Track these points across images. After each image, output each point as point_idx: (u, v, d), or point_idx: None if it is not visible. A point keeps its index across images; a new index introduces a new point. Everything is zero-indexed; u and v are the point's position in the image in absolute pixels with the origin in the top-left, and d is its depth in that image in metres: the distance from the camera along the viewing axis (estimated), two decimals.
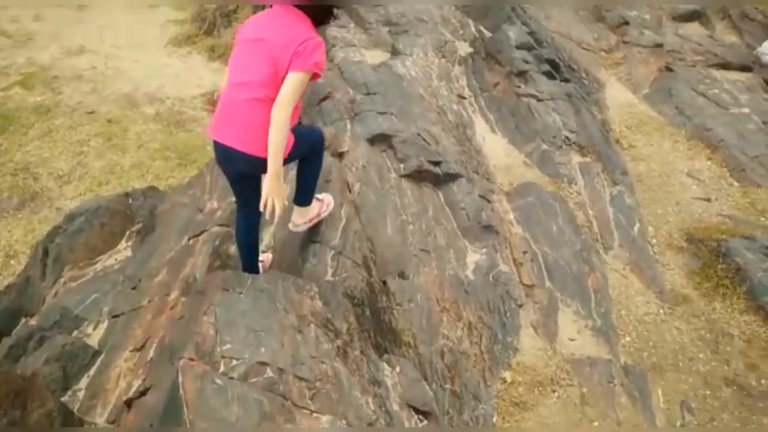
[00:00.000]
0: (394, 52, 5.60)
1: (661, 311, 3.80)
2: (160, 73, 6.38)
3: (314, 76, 2.10)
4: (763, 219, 4.64)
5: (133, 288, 2.69)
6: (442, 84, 5.38)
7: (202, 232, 2.65)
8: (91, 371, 2.37)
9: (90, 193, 4.63)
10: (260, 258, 2.54)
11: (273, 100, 2.03)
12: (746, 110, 5.89)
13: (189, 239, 2.68)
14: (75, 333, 2.60)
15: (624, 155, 5.21)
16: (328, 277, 2.44)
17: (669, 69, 6.51)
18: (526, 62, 5.52)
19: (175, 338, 1.92)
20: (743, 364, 3.50)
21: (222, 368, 1.66)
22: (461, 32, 6.35)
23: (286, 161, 2.15)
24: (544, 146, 4.91)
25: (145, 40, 7.11)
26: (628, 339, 3.62)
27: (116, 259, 3.19)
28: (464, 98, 5.49)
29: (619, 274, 4.05)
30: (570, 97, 5.37)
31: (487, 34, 6.27)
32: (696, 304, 3.87)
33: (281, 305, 1.92)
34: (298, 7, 2.10)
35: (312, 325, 1.95)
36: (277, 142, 2.01)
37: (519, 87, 5.37)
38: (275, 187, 2.04)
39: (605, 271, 3.99)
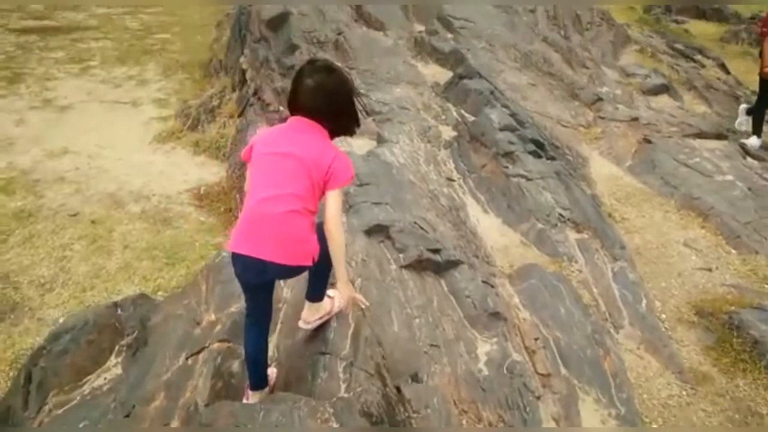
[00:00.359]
0: (380, 140, 5.65)
1: (684, 393, 3.63)
2: (145, 171, 6.31)
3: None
4: (767, 286, 4.58)
5: (127, 416, 2.45)
6: (430, 168, 5.40)
7: (201, 350, 2.46)
8: None
9: (74, 300, 4.40)
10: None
11: (310, 211, 2.12)
12: (730, 177, 5.99)
13: (187, 358, 2.48)
14: None
15: (618, 229, 5.18)
16: (342, 393, 2.25)
17: (648, 141, 6.66)
18: (511, 143, 5.59)
19: None
20: None
21: None
22: (443, 117, 6.47)
23: (318, 264, 2.22)
24: (540, 225, 4.86)
25: (128, 139, 7.10)
26: (654, 426, 3.42)
27: (105, 378, 2.95)
28: (453, 181, 5.50)
29: (635, 355, 3.89)
30: (559, 174, 5.41)
31: (469, 117, 6.39)
32: (717, 382, 3.71)
33: None
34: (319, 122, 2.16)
35: None
36: (340, 257, 2.19)
37: (507, 167, 5.40)
38: (349, 291, 2.34)
39: (620, 353, 3.84)
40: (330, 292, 2.68)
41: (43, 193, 5.77)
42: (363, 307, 2.64)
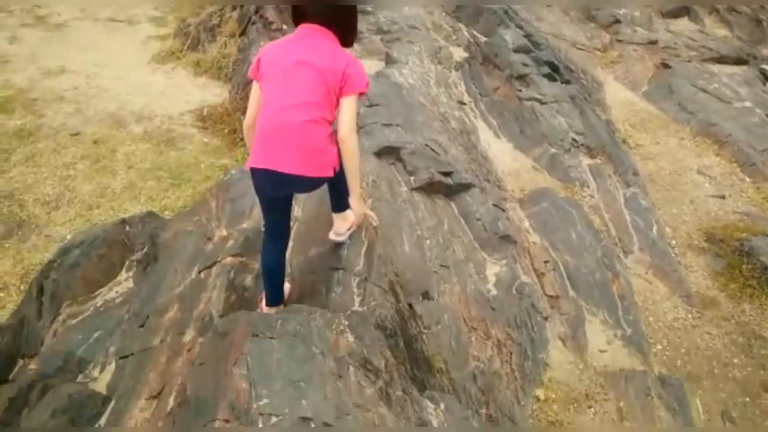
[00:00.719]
0: (389, 60, 5.44)
1: (690, 316, 3.66)
2: (146, 91, 6.13)
3: (361, 93, 2.10)
4: None
5: (141, 326, 2.46)
6: (441, 91, 5.22)
7: (214, 264, 2.43)
8: (102, 420, 2.14)
9: (80, 219, 4.37)
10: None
11: (327, 120, 2.02)
12: (748, 104, 5.81)
13: (200, 271, 2.46)
14: (80, 377, 2.37)
15: (632, 155, 5.08)
16: (356, 308, 2.24)
17: (666, 65, 6.43)
18: (525, 65, 5.39)
19: (199, 388, 1.71)
20: None
21: (261, 426, 1.45)
22: (454, 37, 6.21)
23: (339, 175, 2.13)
24: (552, 150, 4.76)
25: (126, 58, 6.85)
26: (659, 347, 3.46)
27: (117, 292, 2.95)
28: (464, 104, 5.34)
29: (643, 279, 3.90)
30: (573, 98, 5.24)
31: (481, 38, 6.13)
32: (724, 306, 3.73)
33: (318, 349, 1.72)
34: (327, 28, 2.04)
35: (351, 368, 1.75)
36: (353, 168, 2.11)
37: (520, 90, 5.22)
38: (362, 206, 2.40)
39: (629, 277, 3.84)
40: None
41: (42, 112, 5.61)
42: (374, 224, 2.66)
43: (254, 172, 2.07)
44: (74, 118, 5.57)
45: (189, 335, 2.17)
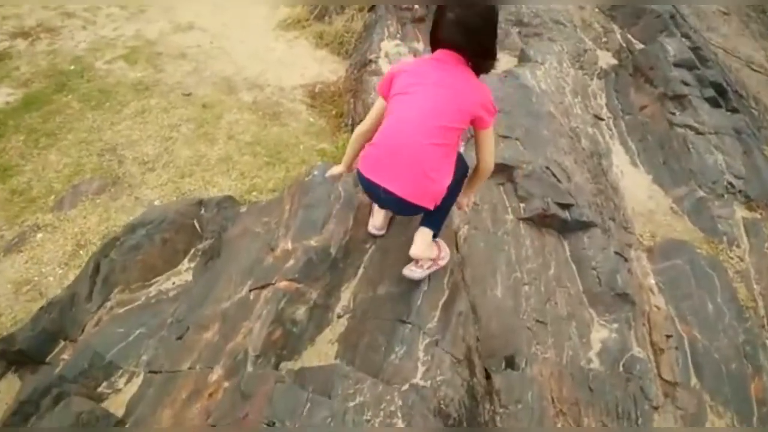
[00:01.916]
0: (523, 59, 4.82)
1: None
2: (264, 58, 5.97)
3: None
4: None
5: (179, 338, 2.19)
6: (576, 101, 4.53)
7: (266, 285, 2.09)
8: None
9: (171, 185, 4.28)
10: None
11: (450, 147, 2.01)
12: None
13: (251, 290, 2.13)
14: (104, 385, 2.15)
15: None
16: (418, 379, 1.80)
17: None
18: (686, 84, 4.53)
19: None
20: None
21: None
22: (604, 40, 5.42)
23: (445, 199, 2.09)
24: (700, 192, 3.95)
25: (254, 21, 6.75)
26: None
27: (174, 283, 2.73)
28: (601, 120, 4.61)
29: None
30: (739, 132, 4.33)
31: (637, 44, 5.29)
32: None
33: None
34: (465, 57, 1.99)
35: None
36: (480, 184, 2.35)
37: (673, 114, 4.40)
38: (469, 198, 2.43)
39: None
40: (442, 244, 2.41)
41: (162, 67, 5.63)
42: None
43: (362, 176, 2.05)
44: (190, 77, 5.53)
45: (216, 373, 1.85)
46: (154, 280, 2.71)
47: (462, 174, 2.23)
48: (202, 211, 3.08)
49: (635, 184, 4.10)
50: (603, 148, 4.24)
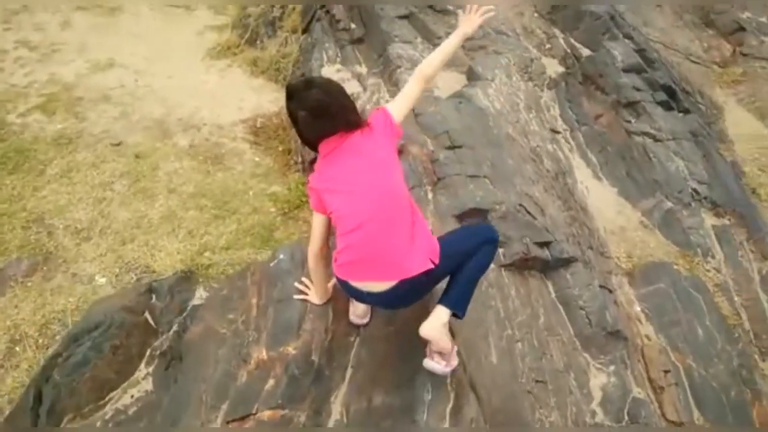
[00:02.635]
0: (472, 76, 4.64)
1: None
2: (197, 93, 5.57)
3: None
4: None
5: None
6: (531, 116, 4.40)
7: (247, 416, 1.80)
8: None
9: (111, 254, 3.85)
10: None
11: (408, 197, 2.02)
12: None
13: (229, 421, 1.83)
14: None
15: (765, 211, 4.14)
16: None
17: None
18: (637, 89, 4.48)
19: None
20: None
21: None
22: (548, 46, 5.32)
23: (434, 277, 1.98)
24: (668, 203, 3.90)
25: (180, 51, 6.31)
26: None
27: (132, 396, 2.38)
28: (558, 133, 4.51)
29: None
30: (696, 136, 4.32)
31: (581, 48, 5.21)
32: None
33: None
34: None
35: None
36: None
37: (629, 122, 4.34)
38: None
39: None
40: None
41: (85, 114, 5.14)
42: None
43: (350, 285, 1.93)
44: (118, 123, 5.07)
45: None
46: (108, 398, 2.36)
47: (483, 240, 2.06)
48: (153, 299, 2.75)
49: (602, 200, 4.01)
50: (565, 165, 4.12)
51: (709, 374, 2.94)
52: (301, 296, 2.16)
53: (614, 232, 3.79)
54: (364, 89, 4.80)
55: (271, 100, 5.56)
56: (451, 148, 3.43)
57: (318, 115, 1.89)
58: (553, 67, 5.08)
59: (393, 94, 4.57)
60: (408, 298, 1.98)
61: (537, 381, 2.59)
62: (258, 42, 6.25)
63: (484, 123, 3.87)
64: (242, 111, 5.39)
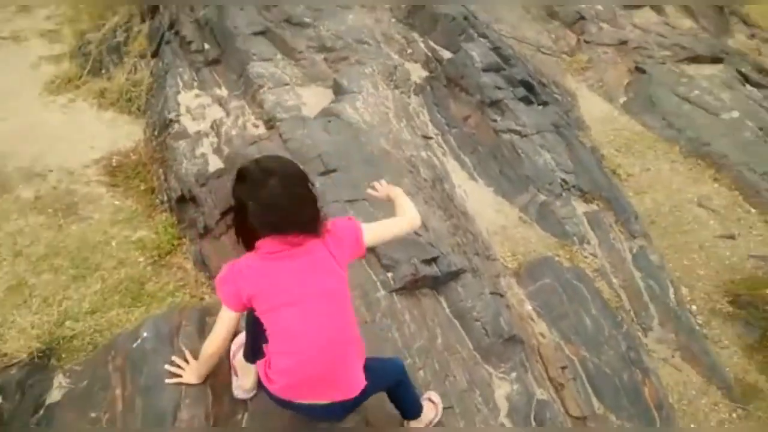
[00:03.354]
0: (338, 90, 4.51)
1: (735, 416, 3.05)
2: (38, 135, 4.95)
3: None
4: None
5: None
6: (402, 125, 4.37)
7: None
8: None
9: None
10: None
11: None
12: (736, 114, 5.27)
13: None
14: None
15: (626, 191, 4.42)
16: None
17: (640, 69, 5.82)
18: (498, 88, 4.60)
19: None
20: None
21: None
22: (410, 51, 5.33)
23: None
24: (541, 196, 4.03)
25: (11, 88, 5.59)
26: None
27: None
28: (430, 138, 4.51)
29: (671, 366, 3.26)
30: (557, 127, 4.51)
31: (441, 51, 5.27)
32: None
33: None
34: None
35: None
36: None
37: (495, 121, 4.44)
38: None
39: (656, 368, 3.18)
40: (427, 394, 2.44)
41: None
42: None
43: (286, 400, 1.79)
44: None
45: None
46: None
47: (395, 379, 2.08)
48: (0, 400, 2.33)
49: (481, 202, 4.06)
50: (441, 171, 4.12)
51: (601, 362, 3.05)
52: (175, 379, 1.91)
53: (496, 232, 3.84)
54: (228, 114, 4.52)
55: (127, 134, 5.08)
56: (326, 173, 3.28)
57: (271, 210, 1.63)
58: (417, 72, 5.09)
59: (259, 116, 4.34)
60: (347, 411, 1.95)
61: (444, 408, 2.52)
62: (103, 71, 5.70)
63: (356, 140, 3.76)
64: (94, 150, 4.87)
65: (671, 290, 3.62)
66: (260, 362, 1.82)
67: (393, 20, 5.69)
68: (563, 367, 2.96)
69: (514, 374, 2.87)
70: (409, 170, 3.82)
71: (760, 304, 3.52)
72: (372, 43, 5.20)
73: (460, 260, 3.17)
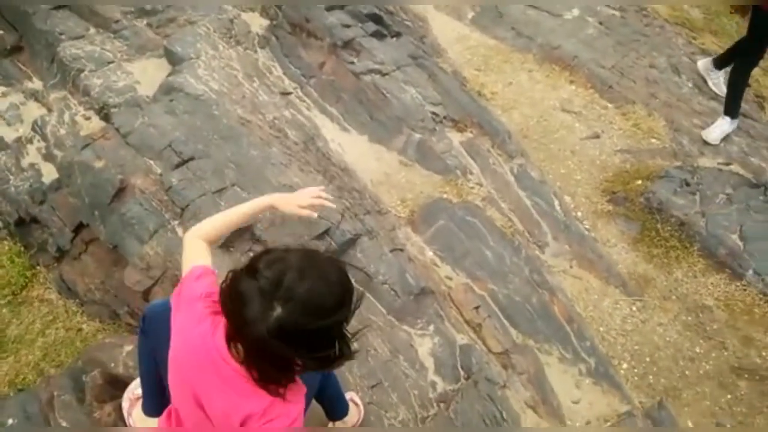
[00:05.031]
0: (173, 59, 3.96)
1: (635, 309, 3.24)
2: None
3: None
4: (655, 141, 4.26)
5: None
6: (255, 86, 3.96)
7: None
8: None
9: None
10: None
11: None
12: (576, 11, 5.40)
13: None
14: None
15: (494, 110, 4.41)
16: None
17: None
18: (347, 26, 4.29)
19: None
20: (737, 340, 3.11)
21: None
22: None
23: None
24: (416, 135, 3.88)
25: None
26: (625, 366, 3.00)
27: None
28: (289, 93, 4.15)
29: (572, 277, 3.37)
30: (415, 58, 4.33)
31: None
32: (659, 282, 3.37)
33: None
34: None
35: None
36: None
37: (352, 63, 4.16)
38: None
39: (561, 285, 3.27)
40: (348, 394, 2.26)
41: None
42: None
43: None
44: None
45: None
46: None
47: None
48: None
49: (358, 153, 3.84)
50: (310, 129, 3.82)
51: (510, 291, 3.07)
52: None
53: (381, 182, 3.67)
54: (49, 109, 3.86)
55: None
56: (182, 163, 2.86)
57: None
58: (257, 21, 4.60)
59: (88, 106, 3.71)
60: None
61: (372, 387, 2.39)
62: None
63: (208, 115, 3.34)
64: None
65: (556, 202, 3.71)
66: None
67: None
68: (476, 307, 2.93)
69: (432, 327, 2.80)
70: (275, 136, 3.50)
71: (635, 197, 3.72)
72: None
73: (352, 225, 2.97)
